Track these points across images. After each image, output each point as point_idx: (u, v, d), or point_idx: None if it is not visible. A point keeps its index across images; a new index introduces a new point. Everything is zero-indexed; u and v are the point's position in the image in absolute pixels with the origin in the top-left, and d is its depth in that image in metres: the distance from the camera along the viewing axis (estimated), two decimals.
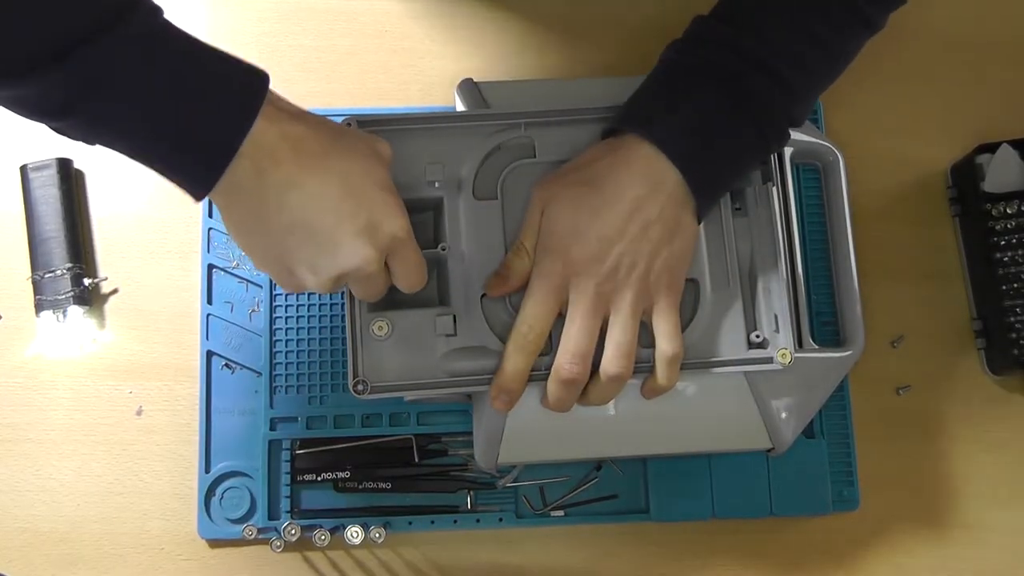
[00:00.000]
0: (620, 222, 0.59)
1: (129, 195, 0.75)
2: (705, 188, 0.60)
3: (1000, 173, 0.73)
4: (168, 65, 0.48)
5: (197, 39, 0.49)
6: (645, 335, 0.61)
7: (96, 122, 0.48)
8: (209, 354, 0.72)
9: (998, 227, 0.73)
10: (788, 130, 0.62)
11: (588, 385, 0.61)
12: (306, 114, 0.53)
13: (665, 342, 0.60)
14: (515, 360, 0.60)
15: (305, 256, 0.53)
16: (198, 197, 0.51)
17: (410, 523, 0.70)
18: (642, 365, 0.62)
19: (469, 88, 0.71)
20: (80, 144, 0.50)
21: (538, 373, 0.62)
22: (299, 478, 0.71)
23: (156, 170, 0.50)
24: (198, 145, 0.49)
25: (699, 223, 0.62)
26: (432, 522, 0.70)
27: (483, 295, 0.63)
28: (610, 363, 0.59)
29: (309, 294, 0.73)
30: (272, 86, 0.51)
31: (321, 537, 0.68)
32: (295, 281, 0.55)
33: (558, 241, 0.60)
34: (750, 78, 0.59)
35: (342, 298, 0.70)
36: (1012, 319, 0.72)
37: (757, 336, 0.65)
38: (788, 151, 0.70)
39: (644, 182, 0.59)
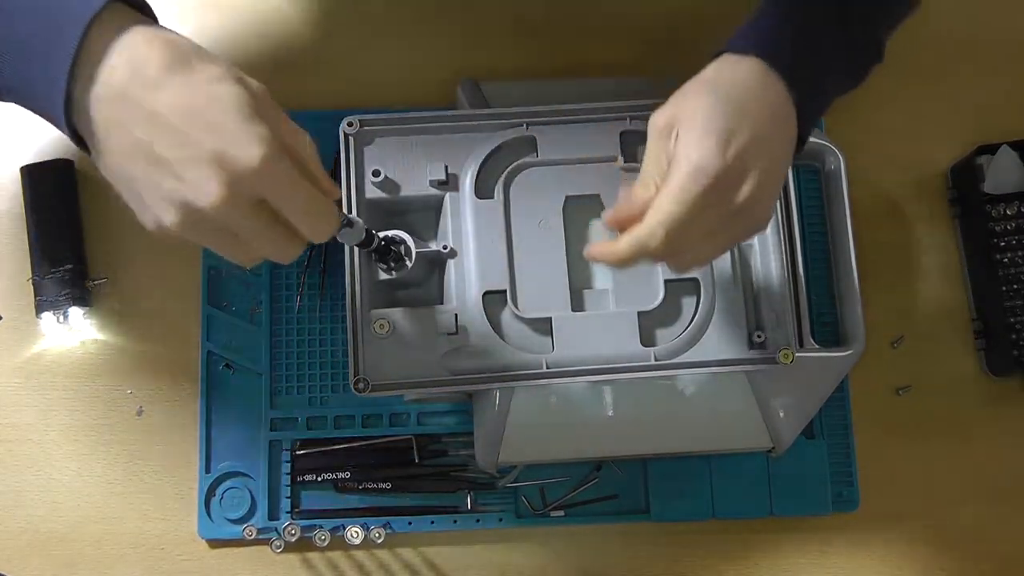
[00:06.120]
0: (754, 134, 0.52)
1: None
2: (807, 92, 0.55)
3: (1000, 174, 0.73)
4: None
5: None
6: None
7: None
8: (209, 354, 0.72)
9: (998, 228, 0.73)
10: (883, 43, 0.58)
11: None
12: (159, 32, 0.49)
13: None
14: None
15: (152, 184, 0.47)
16: (60, 120, 0.48)
17: (410, 523, 0.70)
18: None
19: (470, 88, 0.71)
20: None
21: (538, 372, 0.62)
22: (299, 478, 0.71)
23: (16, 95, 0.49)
24: (41, 50, 0.47)
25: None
26: (432, 522, 0.70)
27: (484, 292, 0.63)
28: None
29: (309, 292, 0.73)
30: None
31: (321, 537, 0.68)
32: (151, 215, 0.49)
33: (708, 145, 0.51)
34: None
35: (342, 298, 0.70)
36: (1012, 319, 0.72)
37: (759, 336, 0.65)
38: None
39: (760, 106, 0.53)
